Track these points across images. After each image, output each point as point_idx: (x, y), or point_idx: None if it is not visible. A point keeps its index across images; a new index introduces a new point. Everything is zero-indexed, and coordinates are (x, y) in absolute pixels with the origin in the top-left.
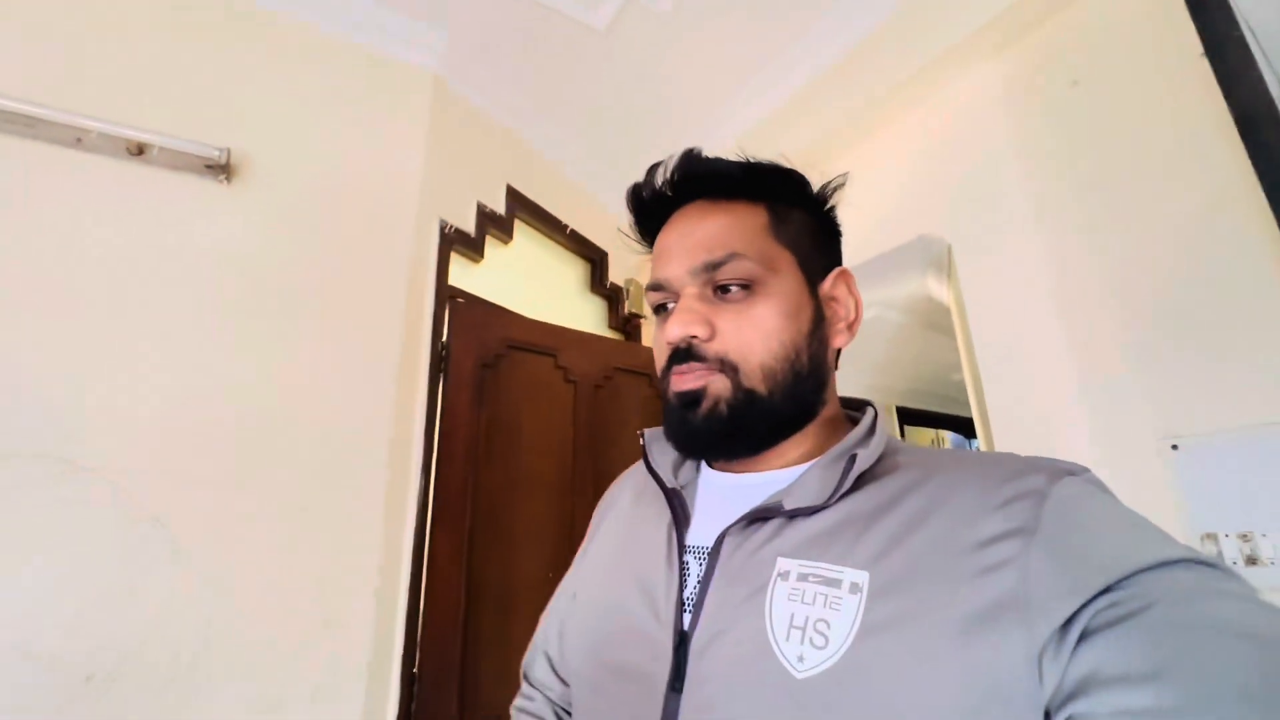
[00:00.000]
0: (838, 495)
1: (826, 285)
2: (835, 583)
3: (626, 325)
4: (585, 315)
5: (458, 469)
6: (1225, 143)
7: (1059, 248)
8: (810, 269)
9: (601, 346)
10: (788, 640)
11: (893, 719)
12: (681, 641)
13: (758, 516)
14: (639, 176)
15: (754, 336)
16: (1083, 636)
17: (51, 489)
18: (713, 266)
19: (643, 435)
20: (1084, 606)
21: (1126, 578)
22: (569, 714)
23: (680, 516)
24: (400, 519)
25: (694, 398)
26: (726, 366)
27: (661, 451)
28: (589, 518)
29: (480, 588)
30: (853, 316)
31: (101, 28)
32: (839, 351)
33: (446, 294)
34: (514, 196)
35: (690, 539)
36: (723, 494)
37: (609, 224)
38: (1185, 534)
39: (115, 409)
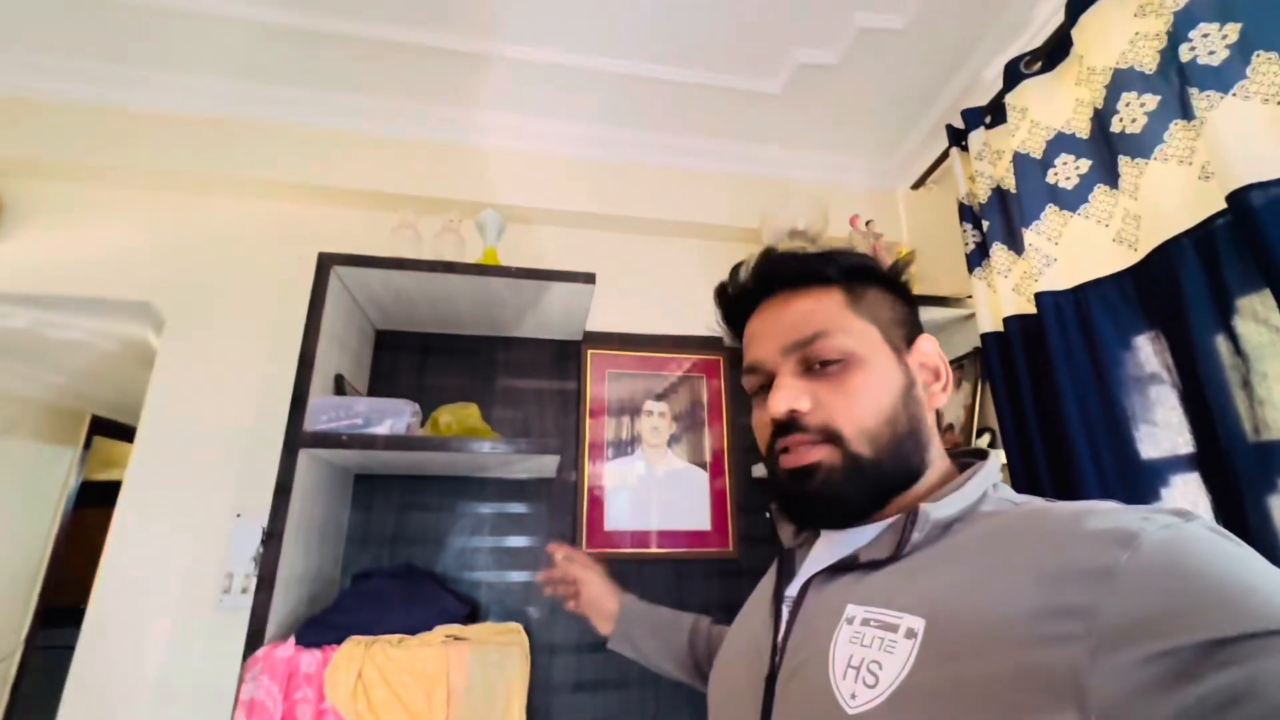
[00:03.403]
0: (907, 547)
1: (914, 351)
2: (893, 627)
3: None
4: None
5: None
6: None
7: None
8: (892, 338)
9: None
10: (844, 679)
11: None
12: (771, 681)
13: (838, 568)
14: None
15: (852, 404)
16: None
17: None
18: (801, 344)
19: (770, 510)
20: (1160, 667)
21: (1222, 640)
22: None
23: (784, 572)
24: None
25: (807, 472)
26: (831, 436)
27: (788, 520)
28: None
29: None
30: (945, 378)
31: None
32: (939, 411)
33: None
34: None
35: (788, 590)
36: (823, 550)
37: None
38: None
39: None
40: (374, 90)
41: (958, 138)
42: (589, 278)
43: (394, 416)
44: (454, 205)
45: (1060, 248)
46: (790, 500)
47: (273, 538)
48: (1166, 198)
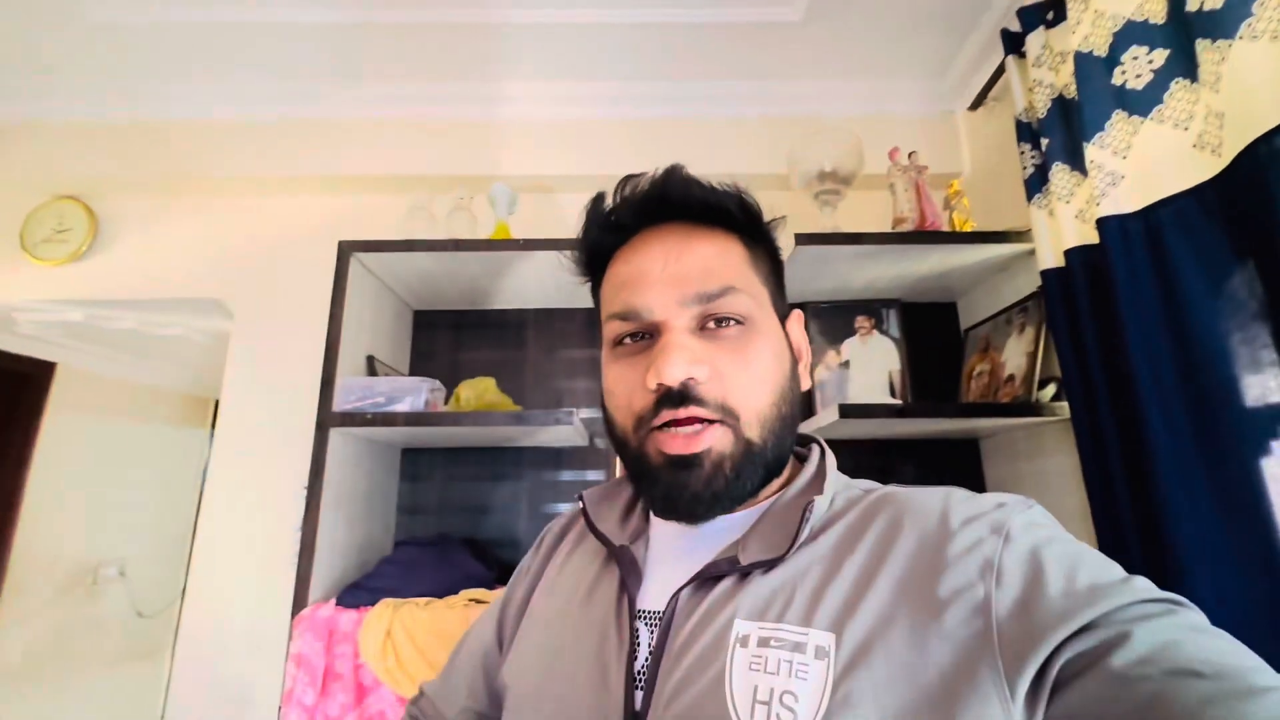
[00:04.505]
0: (795, 548)
1: (788, 327)
2: (800, 647)
3: None
4: None
5: None
6: None
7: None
8: (778, 307)
9: None
10: (752, 717)
11: None
12: None
13: (711, 574)
14: None
15: (752, 378)
16: (1057, 683)
17: None
18: (707, 298)
19: (582, 499)
20: (1055, 652)
21: (1095, 620)
22: None
23: (630, 576)
24: None
25: (695, 460)
26: (728, 414)
27: (608, 509)
28: None
29: None
30: (809, 359)
31: None
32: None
33: None
34: None
35: (641, 602)
36: (675, 547)
37: None
38: None
39: None
40: (388, 77)
41: (1014, 43)
42: None
43: (413, 394)
44: (469, 181)
45: (1128, 162)
46: (664, 491)
47: (310, 509)
48: (1256, 86)
